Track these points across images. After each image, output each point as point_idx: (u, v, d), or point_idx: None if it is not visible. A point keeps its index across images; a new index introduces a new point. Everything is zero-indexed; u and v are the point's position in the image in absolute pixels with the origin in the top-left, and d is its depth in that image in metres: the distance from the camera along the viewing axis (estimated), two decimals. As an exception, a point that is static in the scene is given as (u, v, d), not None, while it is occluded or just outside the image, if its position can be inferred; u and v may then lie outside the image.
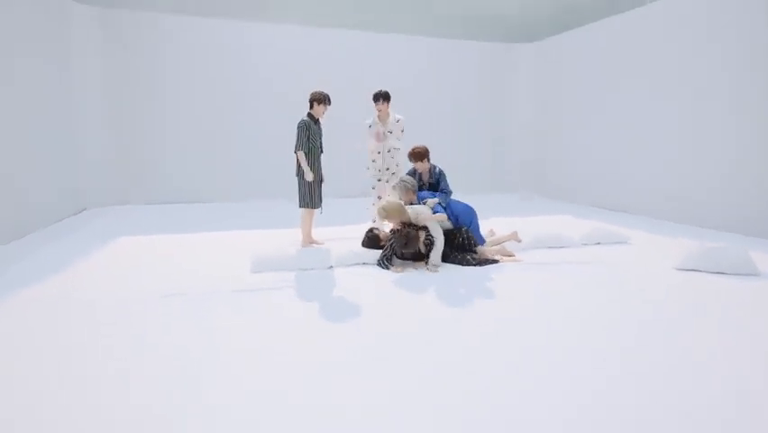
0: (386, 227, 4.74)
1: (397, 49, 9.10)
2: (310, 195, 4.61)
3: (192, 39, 8.01)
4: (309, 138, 4.54)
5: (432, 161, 4.69)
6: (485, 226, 5.10)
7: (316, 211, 4.78)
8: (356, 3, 7.47)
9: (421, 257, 4.21)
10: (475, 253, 4.33)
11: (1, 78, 5.14)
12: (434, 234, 4.13)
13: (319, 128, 4.66)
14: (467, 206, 4.59)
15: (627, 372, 1.96)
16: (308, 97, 4.63)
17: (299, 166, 4.58)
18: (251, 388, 2.04)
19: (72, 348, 2.46)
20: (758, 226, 5.47)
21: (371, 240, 4.46)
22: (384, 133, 5.04)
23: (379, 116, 5.03)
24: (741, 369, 1.95)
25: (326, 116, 4.86)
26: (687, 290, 3.50)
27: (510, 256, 4.45)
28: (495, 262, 4.27)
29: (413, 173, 4.67)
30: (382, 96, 4.96)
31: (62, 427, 1.74)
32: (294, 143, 4.63)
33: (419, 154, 4.52)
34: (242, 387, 2.05)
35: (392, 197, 4.46)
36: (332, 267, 4.16)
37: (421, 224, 4.17)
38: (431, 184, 4.66)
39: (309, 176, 4.52)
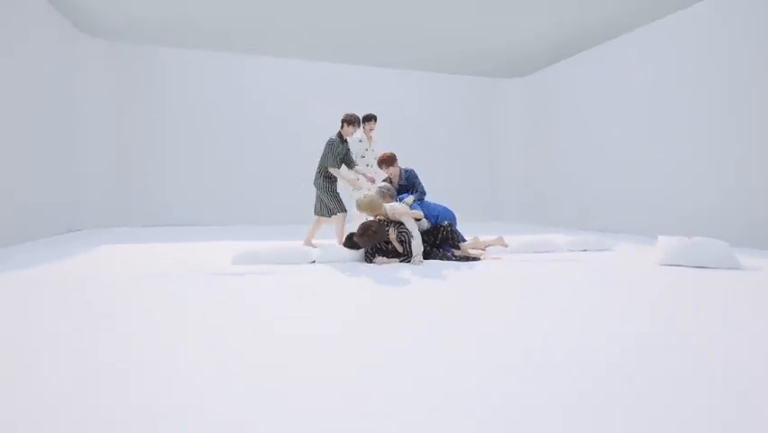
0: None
1: (391, 82, 9.57)
2: (337, 201, 5.04)
3: (192, 71, 8.49)
4: (335, 155, 5.01)
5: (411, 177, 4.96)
6: (470, 236, 5.15)
7: (342, 216, 5.08)
8: (352, 38, 7.96)
9: (398, 254, 4.21)
10: (458, 248, 4.35)
11: (12, 97, 5.46)
12: (408, 227, 4.17)
13: (345, 147, 5.13)
14: (446, 207, 4.70)
15: (625, 359, 1.73)
16: (341, 117, 5.17)
17: (323, 177, 5.04)
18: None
19: (54, 313, 2.47)
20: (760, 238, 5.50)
21: (353, 245, 4.50)
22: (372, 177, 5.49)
23: (365, 134, 5.61)
24: (739, 354, 1.82)
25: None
26: (671, 281, 3.47)
27: (495, 259, 4.45)
28: (476, 259, 4.28)
29: (388, 181, 4.94)
30: (374, 118, 5.59)
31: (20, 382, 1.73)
32: (320, 160, 5.07)
33: (389, 159, 4.83)
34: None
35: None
36: (314, 262, 4.18)
37: (396, 219, 4.22)
38: (402, 186, 4.90)
39: (357, 184, 5.16)
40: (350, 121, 5.06)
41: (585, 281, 3.32)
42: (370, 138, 5.62)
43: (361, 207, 4.19)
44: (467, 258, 4.26)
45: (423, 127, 9.82)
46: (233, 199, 8.70)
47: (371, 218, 4.34)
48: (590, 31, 7.38)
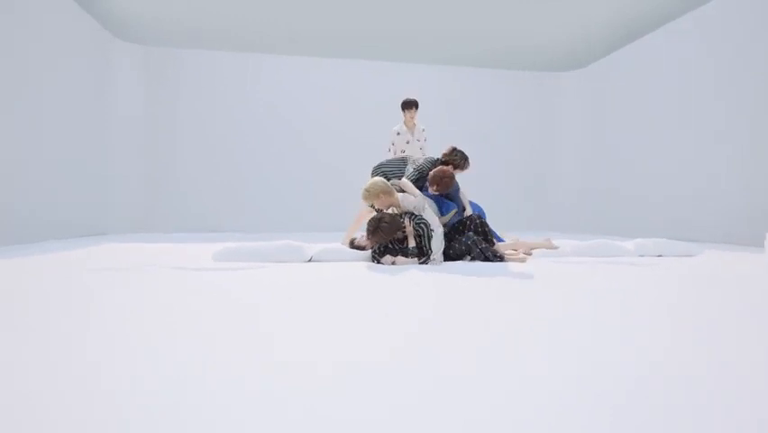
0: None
1: (430, 78, 8.84)
2: None
3: (223, 72, 8.25)
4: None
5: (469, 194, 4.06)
6: (509, 237, 4.23)
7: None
8: (396, 35, 7.45)
9: (412, 253, 3.37)
10: (491, 243, 3.45)
11: (45, 99, 5.51)
12: (427, 218, 3.35)
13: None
14: (476, 204, 3.86)
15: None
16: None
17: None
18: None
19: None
20: None
21: (357, 248, 3.77)
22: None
23: (406, 123, 4.95)
24: None
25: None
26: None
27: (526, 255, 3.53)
28: (505, 259, 3.39)
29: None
30: (414, 105, 4.91)
31: None
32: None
33: (448, 181, 3.59)
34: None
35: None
36: (311, 260, 3.47)
37: (410, 210, 3.42)
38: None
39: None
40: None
41: (692, 289, 2.33)
42: (412, 128, 4.91)
43: (370, 195, 3.44)
44: (498, 256, 3.36)
45: (458, 124, 8.96)
46: (258, 207, 8.29)
47: (382, 210, 3.57)
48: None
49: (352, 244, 3.78)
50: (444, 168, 3.61)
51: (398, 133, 4.92)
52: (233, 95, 8.27)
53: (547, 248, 3.79)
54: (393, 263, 3.28)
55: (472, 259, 3.39)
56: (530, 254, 3.74)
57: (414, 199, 3.41)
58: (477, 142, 8.81)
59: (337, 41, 7.75)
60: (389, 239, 3.27)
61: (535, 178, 9.24)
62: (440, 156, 3.88)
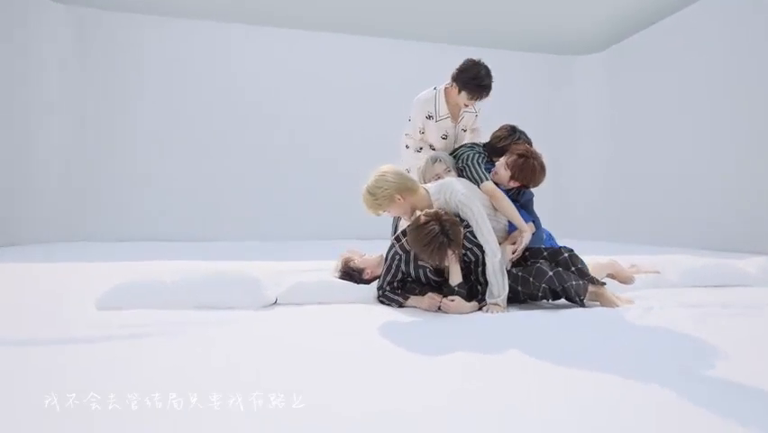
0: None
1: (432, 57, 7.46)
2: None
3: (173, 43, 6.69)
4: None
5: None
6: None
7: None
8: (397, 8, 6.18)
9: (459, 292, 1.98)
10: (590, 281, 2.06)
11: None
12: (484, 232, 1.98)
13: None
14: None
15: None
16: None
17: None
18: None
19: None
20: None
21: (350, 275, 2.35)
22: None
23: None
24: None
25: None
26: None
27: (627, 301, 2.14)
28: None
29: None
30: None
31: None
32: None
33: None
34: None
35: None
36: (276, 303, 2.05)
37: (456, 213, 2.04)
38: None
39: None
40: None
41: None
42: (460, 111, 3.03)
43: (375, 196, 2.02)
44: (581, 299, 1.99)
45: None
46: (237, 208, 6.79)
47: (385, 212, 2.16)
48: None
49: (346, 270, 2.36)
50: (531, 148, 2.27)
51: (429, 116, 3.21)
52: (186, 72, 6.72)
53: (651, 273, 2.47)
54: (437, 308, 1.90)
55: (555, 297, 2.00)
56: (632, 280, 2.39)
57: (469, 195, 2.03)
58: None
59: (324, 11, 6.34)
60: (443, 257, 1.86)
61: (552, 172, 7.97)
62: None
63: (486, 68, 2.40)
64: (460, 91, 2.44)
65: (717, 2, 5.50)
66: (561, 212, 7.63)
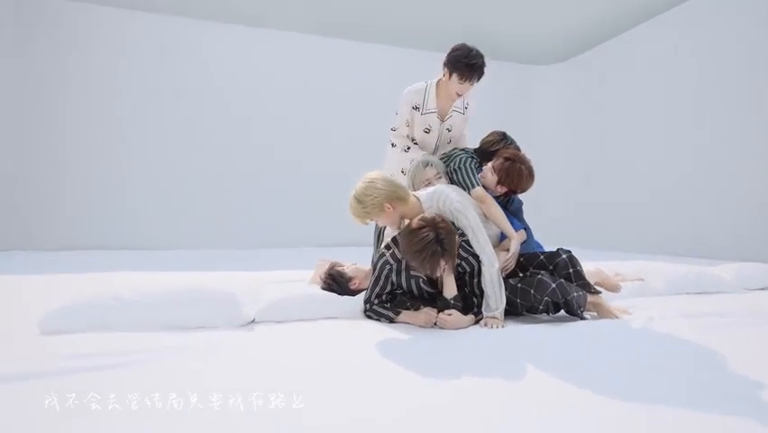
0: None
1: (400, 62, 7.40)
2: None
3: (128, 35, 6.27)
4: None
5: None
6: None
7: None
8: (366, 13, 6.05)
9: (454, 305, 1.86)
10: (591, 290, 1.99)
11: None
12: (480, 242, 1.87)
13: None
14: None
15: None
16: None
17: None
18: None
19: None
20: None
21: (335, 281, 2.17)
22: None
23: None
24: None
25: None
26: None
27: (623, 312, 2.10)
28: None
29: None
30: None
31: None
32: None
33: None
34: None
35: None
36: (253, 321, 1.85)
37: (450, 219, 1.92)
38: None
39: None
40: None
41: None
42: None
43: (363, 204, 1.85)
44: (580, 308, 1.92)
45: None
46: (175, 217, 6.39)
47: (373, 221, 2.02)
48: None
49: (332, 276, 2.16)
50: (519, 152, 2.19)
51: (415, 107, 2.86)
52: (145, 66, 6.32)
53: (634, 281, 2.46)
54: (432, 323, 1.78)
55: (556, 310, 1.91)
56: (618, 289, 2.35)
57: (464, 202, 1.93)
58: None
59: (296, 11, 6.12)
60: (439, 266, 1.73)
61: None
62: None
63: (477, 50, 2.30)
64: (451, 75, 2.31)
65: (681, 13, 5.71)
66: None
